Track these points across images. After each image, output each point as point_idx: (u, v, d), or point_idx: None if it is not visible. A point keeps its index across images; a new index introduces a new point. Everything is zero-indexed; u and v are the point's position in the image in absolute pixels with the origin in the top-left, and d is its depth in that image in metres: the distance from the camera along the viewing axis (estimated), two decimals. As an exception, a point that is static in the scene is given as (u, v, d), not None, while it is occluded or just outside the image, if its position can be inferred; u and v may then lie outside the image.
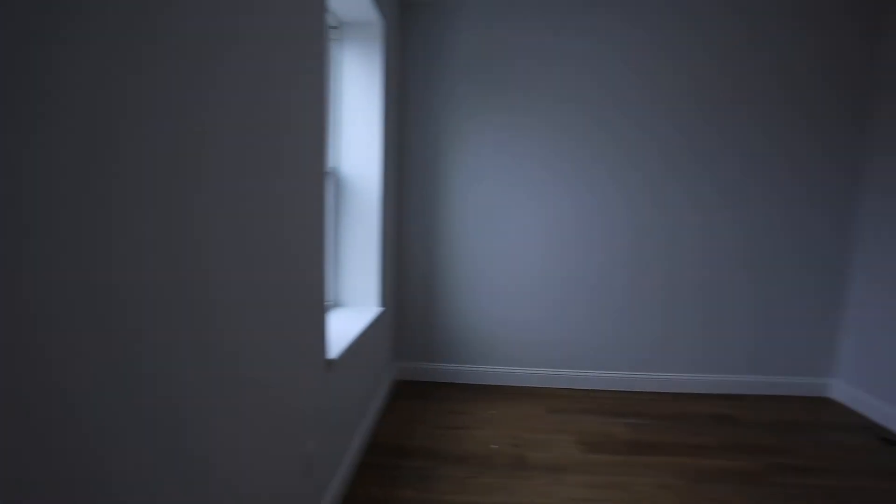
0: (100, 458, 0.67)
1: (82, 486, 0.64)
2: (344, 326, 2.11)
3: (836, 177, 2.88)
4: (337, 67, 2.38)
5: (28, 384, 0.55)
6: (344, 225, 2.45)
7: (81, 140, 0.62)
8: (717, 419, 2.70)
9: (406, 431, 2.47)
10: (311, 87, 1.45)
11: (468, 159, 2.96)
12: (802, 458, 2.30)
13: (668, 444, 2.41)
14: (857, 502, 1.97)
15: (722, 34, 2.79)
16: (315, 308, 1.57)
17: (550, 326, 3.07)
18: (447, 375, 3.12)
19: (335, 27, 2.34)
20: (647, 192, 2.93)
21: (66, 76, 0.59)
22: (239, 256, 1.04)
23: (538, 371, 3.10)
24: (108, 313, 0.67)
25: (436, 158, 2.98)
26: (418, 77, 2.92)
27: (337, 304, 2.49)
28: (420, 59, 2.91)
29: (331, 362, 1.69)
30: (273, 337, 1.23)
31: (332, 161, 2.38)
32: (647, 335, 3.04)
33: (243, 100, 1.03)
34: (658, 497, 1.97)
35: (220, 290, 0.97)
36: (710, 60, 2.81)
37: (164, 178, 0.78)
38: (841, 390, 2.95)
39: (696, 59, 2.82)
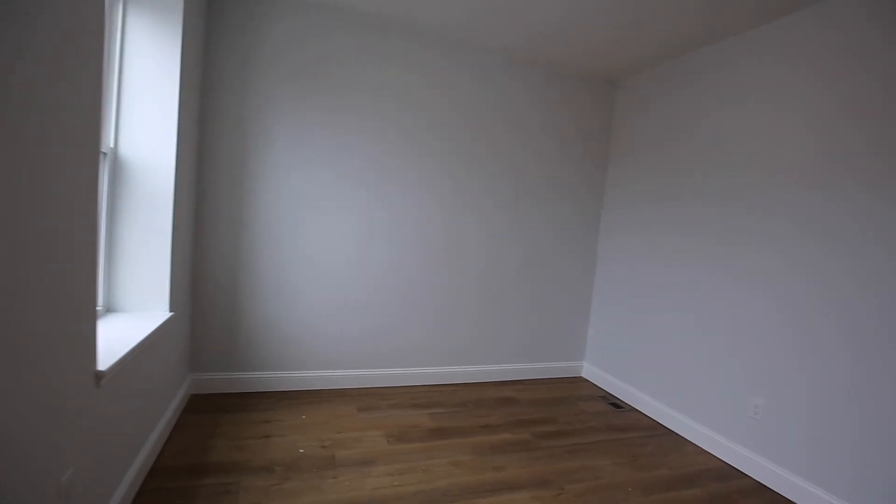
0: None
1: None
2: (121, 334, 1.81)
3: (590, 198, 3.72)
4: (126, 40, 2.04)
5: None
6: (125, 216, 2.10)
7: None
8: (502, 401, 3.17)
9: (202, 448, 2.23)
10: (80, 56, 1.24)
11: (281, 153, 2.86)
12: (559, 425, 2.88)
13: (463, 427, 2.74)
14: (596, 450, 2.56)
15: (509, 95, 3.36)
16: (81, 312, 1.32)
17: (363, 327, 3.16)
18: (254, 384, 2.93)
19: (124, -14, 2.01)
20: (457, 196, 3.30)
21: None
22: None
23: (351, 373, 3.15)
24: None
25: (244, 149, 2.79)
26: (227, 61, 2.71)
27: (113, 309, 2.11)
28: (230, 42, 2.71)
29: (101, 376, 1.44)
30: (21, 343, 1.00)
31: (111, 141, 2.03)
32: (453, 333, 3.39)
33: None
34: (452, 472, 2.23)
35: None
36: (500, 114, 3.35)
37: None
38: (588, 370, 3.79)
39: (488, 111, 3.32)
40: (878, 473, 1.97)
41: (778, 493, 2.31)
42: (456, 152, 3.26)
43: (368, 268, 3.12)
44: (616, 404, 3.31)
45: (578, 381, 3.73)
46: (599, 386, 3.64)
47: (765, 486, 2.37)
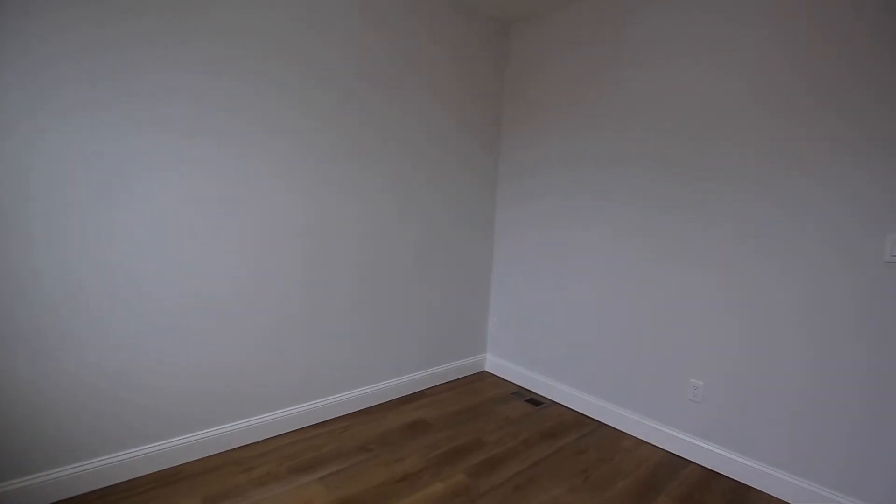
0: None
1: None
2: None
3: (486, 165, 3.15)
4: None
5: None
6: None
7: None
8: (411, 429, 2.46)
9: None
10: None
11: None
12: (490, 448, 2.31)
13: (376, 488, 1.95)
14: (543, 475, 2.06)
15: (387, 58, 2.50)
16: None
17: (196, 363, 2.06)
18: (26, 497, 1.62)
19: None
20: (321, 181, 2.35)
21: None
22: None
23: (188, 440, 2.04)
24: None
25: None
26: None
27: None
28: None
29: None
30: None
31: None
32: (331, 352, 2.50)
33: None
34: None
35: None
36: (373, 85, 2.48)
37: None
38: (493, 363, 3.33)
39: (345, 64, 2.42)
40: (818, 443, 1.89)
41: (730, 478, 2.16)
42: (309, 115, 2.30)
43: (196, 273, 2.00)
44: (534, 400, 2.91)
45: (484, 378, 3.23)
46: (508, 380, 3.21)
47: (714, 471, 2.20)
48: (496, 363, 3.30)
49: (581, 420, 2.67)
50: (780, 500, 2.01)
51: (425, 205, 2.81)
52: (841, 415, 1.87)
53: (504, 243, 3.22)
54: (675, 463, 2.27)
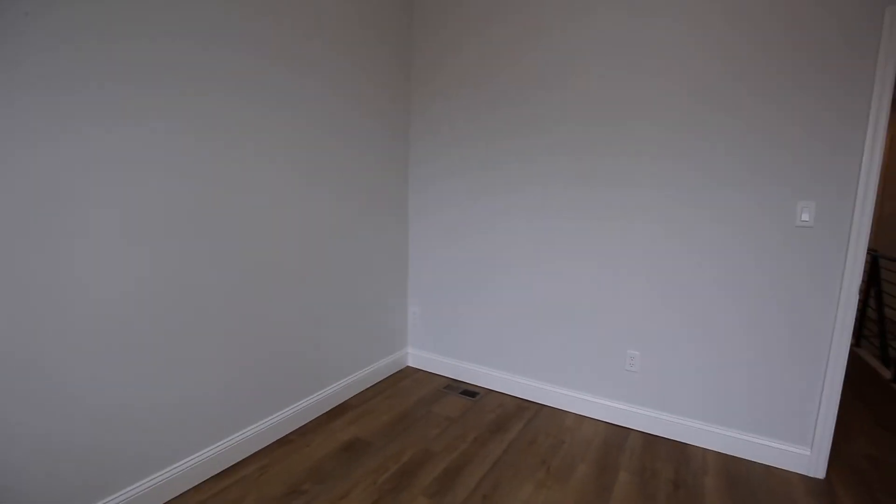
0: None
1: None
2: None
3: (397, 142, 2.79)
4: None
5: None
6: None
7: None
8: (348, 451, 2.09)
9: None
10: None
11: None
12: (441, 457, 2.07)
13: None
14: (506, 476, 1.90)
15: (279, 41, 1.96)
16: None
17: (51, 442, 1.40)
18: None
19: None
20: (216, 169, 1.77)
21: None
22: None
23: (28, 544, 1.38)
24: None
25: None
26: None
27: None
28: None
29: None
30: None
31: None
32: (221, 378, 1.97)
33: None
34: None
35: None
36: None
37: None
38: (416, 357, 3.06)
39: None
40: (740, 395, 2.08)
41: (667, 439, 2.27)
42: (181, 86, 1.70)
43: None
44: (469, 391, 2.74)
45: (409, 375, 2.95)
46: (436, 373, 2.98)
47: (652, 435, 2.30)
48: (420, 357, 3.05)
49: (521, 405, 2.59)
50: (713, 450, 2.18)
51: (327, 195, 2.37)
52: (760, 366, 2.06)
53: (420, 227, 2.93)
54: (617, 435, 2.31)
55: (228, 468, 1.94)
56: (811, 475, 2.01)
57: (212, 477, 1.87)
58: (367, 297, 2.67)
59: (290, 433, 2.23)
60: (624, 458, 2.11)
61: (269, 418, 2.13)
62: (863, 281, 3.04)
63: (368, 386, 2.75)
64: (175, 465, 1.75)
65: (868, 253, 3.52)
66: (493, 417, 2.45)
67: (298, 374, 2.27)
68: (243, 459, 2.01)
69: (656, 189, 2.18)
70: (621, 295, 2.32)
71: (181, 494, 1.76)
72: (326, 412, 2.44)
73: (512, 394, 2.70)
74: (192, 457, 1.81)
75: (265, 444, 2.11)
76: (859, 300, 2.77)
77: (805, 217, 1.91)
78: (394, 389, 2.74)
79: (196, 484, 1.82)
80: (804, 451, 2.01)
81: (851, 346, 3.26)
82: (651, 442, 2.25)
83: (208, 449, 1.87)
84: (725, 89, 2.00)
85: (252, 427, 2.05)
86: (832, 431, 1.95)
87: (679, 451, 2.17)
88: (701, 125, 2.06)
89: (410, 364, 3.09)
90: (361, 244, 2.58)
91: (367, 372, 2.72)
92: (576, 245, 2.41)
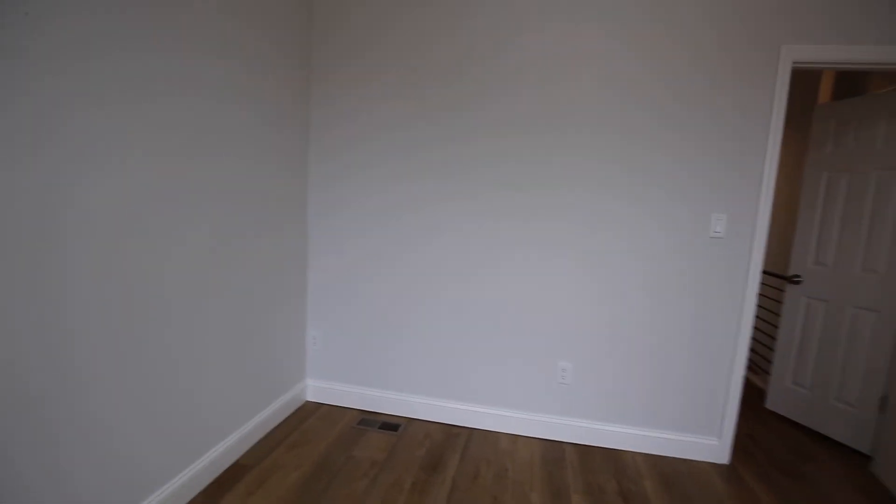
0: None
1: None
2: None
3: (293, 132, 2.27)
4: None
5: None
6: None
7: None
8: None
9: None
10: None
11: None
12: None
13: None
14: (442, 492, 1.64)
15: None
16: None
17: None
18: None
19: None
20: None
21: None
22: None
23: None
24: None
25: None
26: None
27: None
28: None
29: None
30: None
31: None
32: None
33: None
34: None
35: None
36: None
37: None
38: (316, 390, 2.57)
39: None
40: (665, 397, 2.20)
41: (601, 447, 2.27)
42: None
43: None
44: (388, 424, 2.38)
45: (313, 412, 2.45)
46: (345, 406, 2.53)
47: (585, 446, 2.28)
48: (322, 389, 2.56)
49: (450, 432, 2.34)
50: (641, 453, 2.25)
51: (214, 198, 1.79)
52: (677, 368, 2.19)
53: (321, 236, 2.46)
54: (553, 450, 2.23)
55: None
56: (719, 462, 2.20)
57: None
58: (251, 326, 2.10)
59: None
60: (569, 476, 2.03)
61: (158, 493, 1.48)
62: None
63: (263, 435, 2.19)
64: None
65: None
66: (424, 453, 2.15)
67: (174, 441, 1.64)
68: (91, 588, 1.34)
69: (584, 200, 2.16)
70: (554, 307, 2.25)
71: None
72: (216, 479, 1.84)
73: (437, 420, 2.44)
74: None
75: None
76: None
77: (718, 229, 2.07)
78: (298, 434, 2.23)
79: None
80: (713, 442, 2.20)
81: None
82: (585, 453, 2.23)
83: (31, 593, 1.18)
84: (648, 125, 2.06)
85: (105, 535, 1.38)
86: (735, 420, 2.17)
87: (613, 460, 2.18)
88: (629, 160, 2.10)
89: (310, 399, 2.58)
90: (242, 262, 2.02)
91: (262, 418, 2.16)
92: (502, 257, 2.26)
